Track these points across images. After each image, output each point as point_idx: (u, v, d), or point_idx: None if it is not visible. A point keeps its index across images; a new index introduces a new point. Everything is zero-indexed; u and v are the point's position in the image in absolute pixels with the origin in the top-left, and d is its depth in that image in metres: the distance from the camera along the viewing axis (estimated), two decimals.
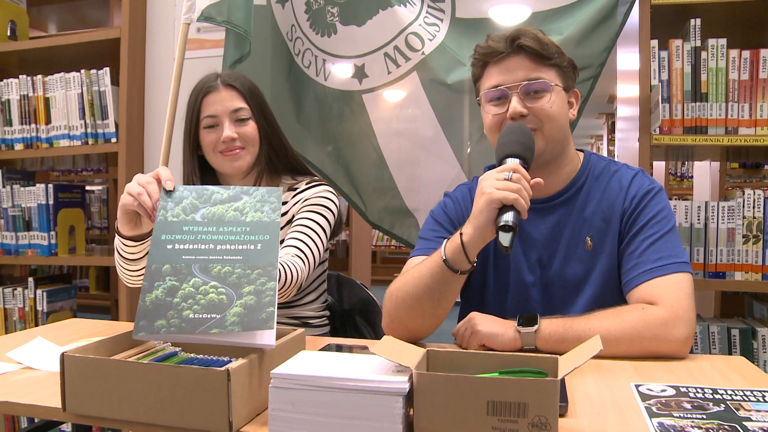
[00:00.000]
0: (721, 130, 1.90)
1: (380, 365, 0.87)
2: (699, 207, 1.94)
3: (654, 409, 0.96)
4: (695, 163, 4.17)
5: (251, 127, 1.63)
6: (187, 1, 2.03)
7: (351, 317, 1.96)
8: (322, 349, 1.31)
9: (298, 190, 1.69)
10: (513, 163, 1.26)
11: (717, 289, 1.90)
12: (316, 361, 0.91)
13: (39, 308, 2.62)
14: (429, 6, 1.99)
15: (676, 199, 2.11)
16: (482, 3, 1.97)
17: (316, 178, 1.75)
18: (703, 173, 3.53)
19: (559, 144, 1.43)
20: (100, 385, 0.92)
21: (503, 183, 1.21)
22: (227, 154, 1.62)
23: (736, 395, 1.01)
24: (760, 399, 0.99)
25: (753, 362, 1.84)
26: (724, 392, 1.03)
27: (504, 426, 0.79)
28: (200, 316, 1.00)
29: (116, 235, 1.44)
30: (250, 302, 1.01)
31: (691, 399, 1.00)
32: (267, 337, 0.98)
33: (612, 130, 9.15)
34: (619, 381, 1.11)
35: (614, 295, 1.41)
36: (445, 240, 1.32)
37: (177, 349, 1.14)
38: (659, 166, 4.80)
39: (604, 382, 1.10)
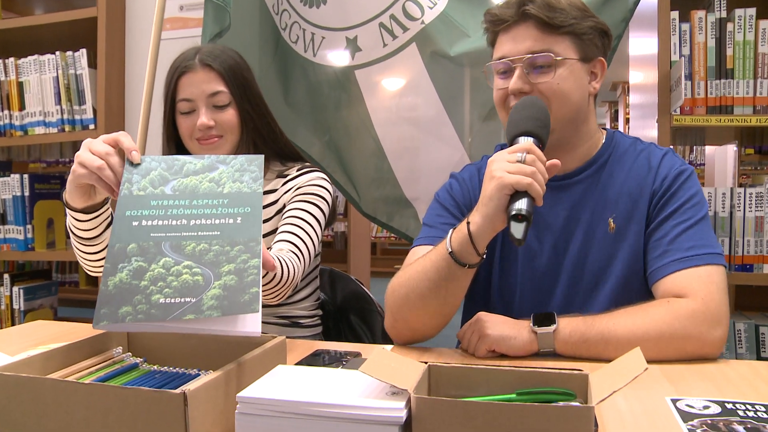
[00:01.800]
0: (749, 109, 1.76)
1: (372, 386, 0.71)
2: (724, 193, 1.78)
3: (699, 431, 0.80)
4: (706, 148, 4.01)
5: (230, 114, 1.46)
6: None
7: (345, 316, 1.80)
8: (310, 356, 1.15)
9: (288, 177, 1.53)
10: (526, 142, 1.12)
11: (744, 282, 1.75)
12: (294, 380, 0.75)
13: (15, 307, 2.47)
14: None
15: None
16: None
17: (308, 164, 1.59)
18: (714, 159, 3.38)
19: (571, 122, 1.30)
20: (35, 409, 0.76)
21: (516, 166, 1.07)
22: (204, 143, 1.47)
23: None
24: None
25: None
26: None
27: None
28: (172, 300, 0.85)
29: (66, 210, 1.27)
30: (231, 283, 0.87)
31: (742, 419, 0.84)
32: (251, 323, 0.84)
33: (615, 118, 8.98)
34: (652, 394, 0.95)
35: (639, 284, 1.27)
36: (451, 229, 1.18)
37: (138, 360, 0.99)
38: None
39: (635, 396, 0.94)
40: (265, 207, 1.52)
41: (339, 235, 5.61)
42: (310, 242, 1.43)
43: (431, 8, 1.76)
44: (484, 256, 1.16)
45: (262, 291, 1.25)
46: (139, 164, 1.05)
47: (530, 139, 1.13)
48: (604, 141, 1.37)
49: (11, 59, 2.40)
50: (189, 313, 0.84)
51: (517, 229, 1.03)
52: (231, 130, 1.48)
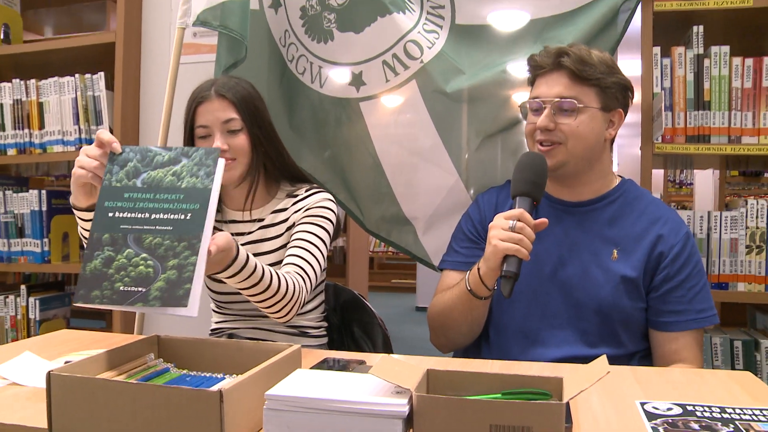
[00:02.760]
0: (724, 138, 1.88)
1: (379, 386, 0.84)
2: (702, 217, 1.91)
3: (661, 429, 0.93)
4: (695, 170, 4.15)
5: (242, 139, 1.60)
6: (183, 5, 2.00)
7: (349, 328, 1.92)
8: (319, 363, 1.28)
9: (298, 198, 1.67)
10: (518, 210, 1.36)
11: (720, 300, 1.87)
12: (312, 381, 0.88)
13: (31, 316, 2.58)
14: (428, 12, 1.95)
15: (674, 207, 2.08)
16: (482, 9, 1.93)
17: (315, 185, 1.73)
18: (703, 181, 3.52)
19: (585, 160, 1.52)
20: (87, 406, 0.89)
21: (507, 234, 1.33)
22: None
23: (744, 414, 0.98)
24: None
25: (755, 374, 1.82)
26: (732, 411, 1.00)
27: None
28: (129, 288, 1.03)
29: (75, 212, 1.41)
30: (172, 277, 1.02)
31: (698, 418, 0.97)
32: (186, 311, 1.00)
33: None
34: (624, 399, 1.08)
35: (626, 302, 1.49)
36: (468, 272, 1.48)
37: (168, 365, 1.11)
38: (657, 173, 4.79)
39: (608, 400, 1.07)
40: (276, 224, 1.66)
41: (338, 249, 5.72)
42: (316, 263, 1.57)
43: (430, 48, 1.90)
44: (495, 290, 1.44)
45: (265, 305, 1.39)
46: (121, 154, 1.19)
47: (526, 201, 1.38)
48: (617, 184, 1.59)
49: (32, 81, 2.52)
50: (138, 302, 1.01)
51: (505, 287, 1.33)
52: (243, 154, 1.61)
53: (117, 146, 1.20)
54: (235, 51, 1.89)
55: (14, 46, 2.67)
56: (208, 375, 1.08)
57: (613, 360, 1.34)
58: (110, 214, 1.10)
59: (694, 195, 3.92)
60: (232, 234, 1.69)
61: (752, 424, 0.94)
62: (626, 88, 1.54)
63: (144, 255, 1.05)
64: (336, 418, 0.80)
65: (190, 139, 1.63)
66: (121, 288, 1.02)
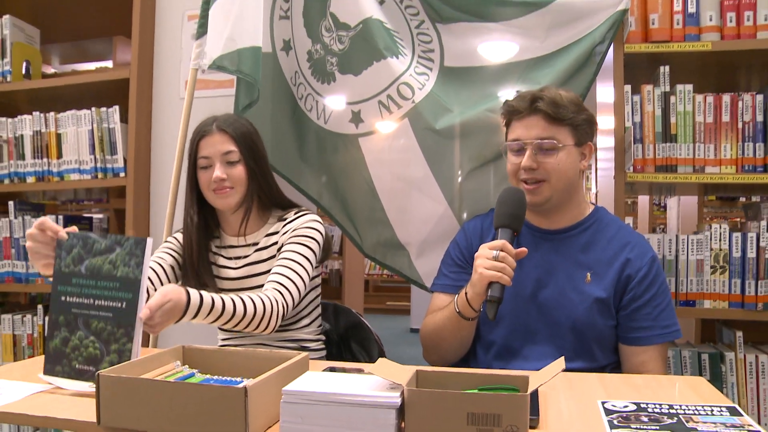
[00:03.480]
0: (690, 168, 2.04)
1: (376, 383, 1.01)
2: (671, 240, 2.08)
3: (615, 422, 1.09)
4: (670, 196, 4.33)
5: (239, 170, 1.78)
6: (196, 48, 2.18)
7: (347, 343, 2.09)
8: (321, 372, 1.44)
9: (287, 220, 1.84)
10: (501, 241, 1.51)
11: (687, 316, 2.04)
12: (321, 380, 1.05)
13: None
14: (419, 56, 2.16)
15: (660, 230, 2.24)
16: (468, 52, 2.14)
17: (304, 208, 1.89)
18: (673, 206, 3.70)
19: (565, 192, 1.68)
20: (131, 402, 1.05)
21: (491, 263, 1.48)
22: (218, 193, 1.77)
23: (688, 410, 1.15)
24: (709, 413, 1.13)
25: (721, 385, 1.99)
26: (678, 407, 1.16)
27: None
28: (82, 367, 1.22)
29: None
30: (114, 360, 1.21)
31: (649, 413, 1.13)
32: None
33: None
34: (588, 398, 1.24)
35: (598, 320, 1.65)
36: (456, 295, 1.63)
37: (194, 371, 1.28)
38: (644, 198, 4.99)
39: (573, 400, 1.24)
40: (269, 247, 1.83)
41: (334, 272, 5.87)
42: (299, 278, 1.71)
43: (420, 89, 2.10)
44: (481, 311, 1.59)
45: (239, 328, 1.55)
46: (66, 239, 1.30)
47: (507, 232, 1.53)
48: (591, 212, 1.75)
49: (51, 113, 2.69)
50: (91, 379, 1.18)
51: (490, 311, 1.47)
52: (240, 183, 1.79)
53: (63, 234, 1.32)
54: (251, 93, 2.08)
55: (34, 81, 2.85)
56: (228, 378, 1.25)
57: (587, 372, 1.53)
58: (62, 298, 1.24)
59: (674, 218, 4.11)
60: (231, 258, 1.85)
61: (693, 417, 1.11)
62: (592, 122, 1.71)
63: (92, 338, 1.21)
64: (341, 409, 0.97)
65: (193, 169, 1.81)
66: (77, 366, 1.19)
